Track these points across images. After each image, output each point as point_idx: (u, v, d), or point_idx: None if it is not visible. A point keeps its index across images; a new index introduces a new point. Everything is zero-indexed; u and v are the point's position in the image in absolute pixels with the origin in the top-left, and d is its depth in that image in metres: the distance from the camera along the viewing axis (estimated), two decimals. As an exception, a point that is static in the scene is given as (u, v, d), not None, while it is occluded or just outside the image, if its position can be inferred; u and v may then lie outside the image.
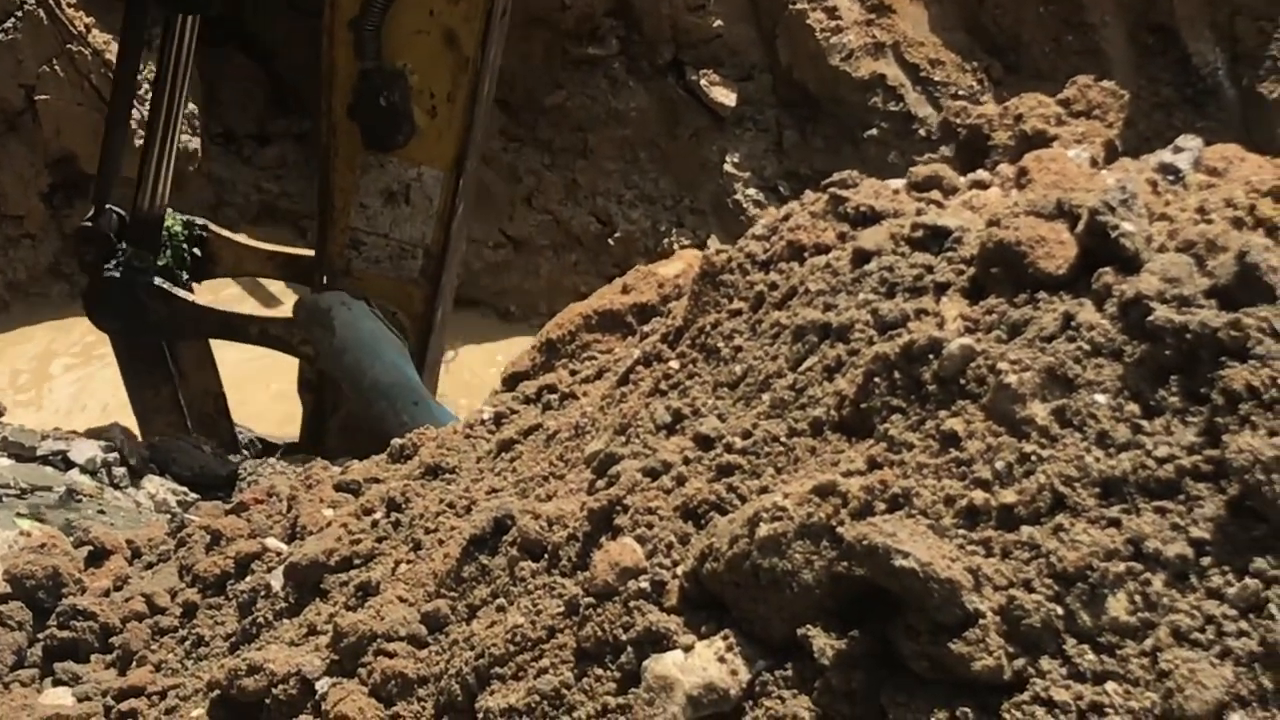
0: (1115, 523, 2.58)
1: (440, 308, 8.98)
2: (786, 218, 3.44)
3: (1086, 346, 2.73)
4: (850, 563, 2.65)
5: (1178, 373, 2.64)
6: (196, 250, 9.30)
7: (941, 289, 3.01)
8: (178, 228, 9.23)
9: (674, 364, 3.38)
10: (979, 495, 2.69)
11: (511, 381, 4.29)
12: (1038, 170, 3.24)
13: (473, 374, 12.47)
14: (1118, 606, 2.51)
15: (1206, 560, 2.49)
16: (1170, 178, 3.14)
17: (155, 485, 6.18)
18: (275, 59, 14.48)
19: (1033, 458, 2.68)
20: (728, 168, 13.09)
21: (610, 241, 13.29)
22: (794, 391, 3.06)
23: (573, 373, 4.04)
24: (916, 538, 2.63)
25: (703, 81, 13.02)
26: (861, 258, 3.15)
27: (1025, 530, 2.62)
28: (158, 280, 8.79)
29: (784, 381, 3.09)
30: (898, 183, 3.54)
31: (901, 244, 3.13)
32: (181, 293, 8.94)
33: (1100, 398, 2.68)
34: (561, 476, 3.47)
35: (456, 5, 8.00)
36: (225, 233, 9.63)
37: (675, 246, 13.15)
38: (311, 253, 9.16)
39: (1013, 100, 3.72)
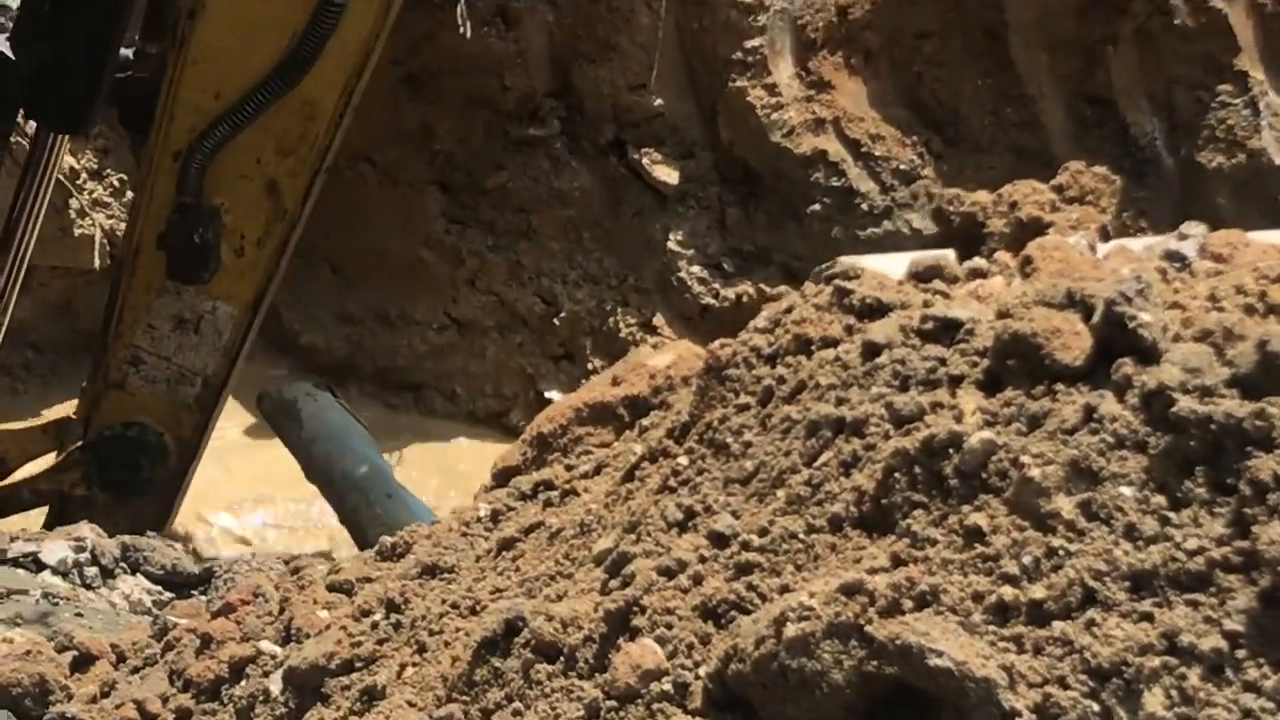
0: (1148, 616, 2.56)
1: (208, 436, 8.99)
2: (789, 310, 3.43)
3: (1110, 439, 2.73)
4: (881, 662, 2.63)
5: (1203, 464, 2.63)
6: None
7: (956, 381, 3.00)
8: None
9: (682, 460, 3.36)
10: (1008, 591, 2.67)
11: (503, 477, 4.25)
12: (1042, 259, 3.24)
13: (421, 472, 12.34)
14: (1154, 702, 2.50)
15: (1242, 653, 2.48)
16: (1177, 265, 3.15)
17: (129, 585, 6.10)
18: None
19: (1060, 552, 2.67)
20: (671, 245, 13.13)
21: (555, 322, 13.30)
22: (810, 487, 3.04)
23: (569, 468, 4.01)
24: (949, 636, 2.61)
25: (645, 160, 13.07)
26: (872, 350, 3.14)
27: (1057, 626, 2.61)
28: None
29: (799, 477, 3.07)
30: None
31: (912, 336, 3.12)
32: None
33: (1126, 490, 2.67)
34: (570, 576, 3.44)
35: (285, 159, 8.03)
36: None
37: (621, 325, 13.18)
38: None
39: (1006, 187, 3.73)
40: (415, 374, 13.47)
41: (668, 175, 13.04)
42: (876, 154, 12.97)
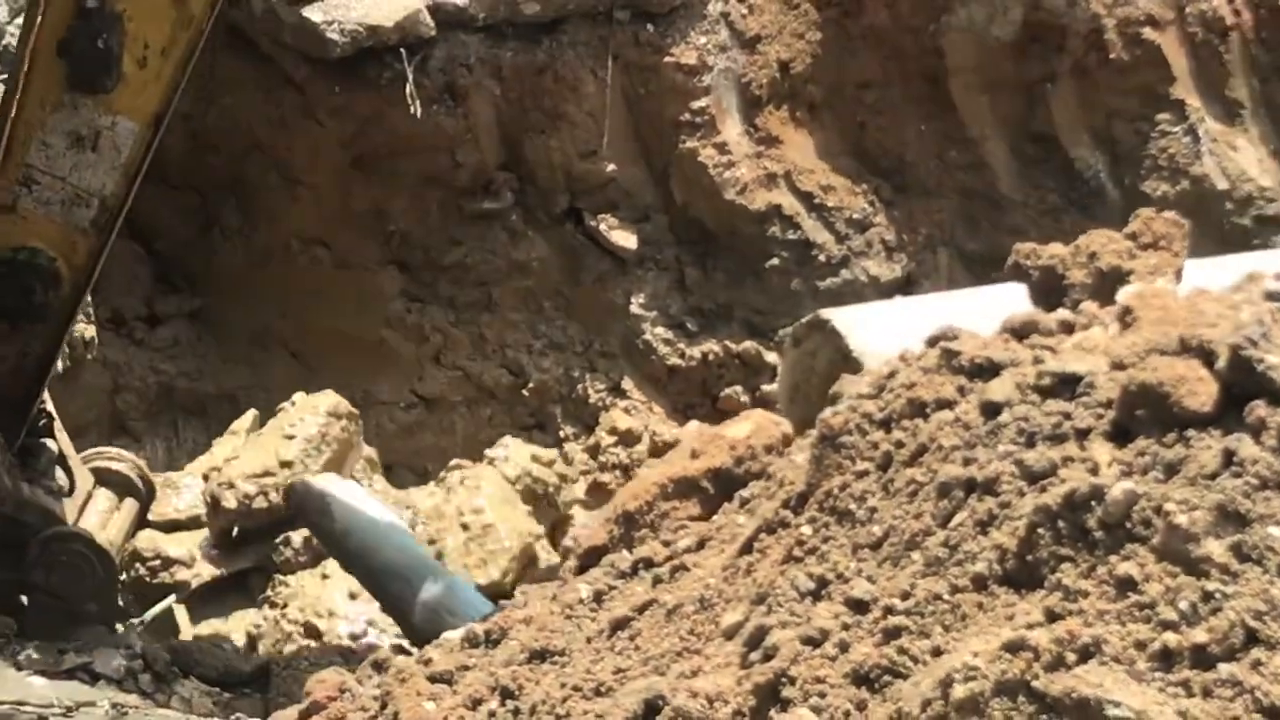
0: (1312, 653, 2.63)
1: (102, 262, 8.50)
2: (892, 374, 3.49)
3: (1254, 480, 2.79)
4: (1053, 716, 2.67)
5: (1348, 499, 2.71)
6: None
7: (1083, 434, 3.06)
8: None
9: (805, 529, 3.40)
10: (1170, 637, 2.72)
11: (590, 556, 4.26)
12: (1141, 307, 3.30)
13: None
14: (1333, 736, 2.56)
15: None
16: (1279, 305, 3.22)
17: (187, 689, 6.07)
18: (158, 237, 14.33)
19: (1217, 595, 2.73)
20: (634, 309, 13.16)
21: (524, 392, 13.28)
22: (948, 548, 3.09)
23: (666, 543, 4.03)
24: (1121, 685, 2.66)
25: (601, 226, 13.11)
26: (992, 409, 3.20)
27: (1224, 668, 2.66)
28: None
29: (935, 539, 3.12)
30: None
31: (1030, 393, 3.18)
32: None
33: (1275, 530, 2.74)
34: (699, 651, 3.46)
35: None
36: None
37: (590, 391, 13.20)
38: None
39: (1082, 238, 3.81)
40: (386, 454, 13.38)
41: (625, 239, 13.08)
42: (829, 204, 13.07)
